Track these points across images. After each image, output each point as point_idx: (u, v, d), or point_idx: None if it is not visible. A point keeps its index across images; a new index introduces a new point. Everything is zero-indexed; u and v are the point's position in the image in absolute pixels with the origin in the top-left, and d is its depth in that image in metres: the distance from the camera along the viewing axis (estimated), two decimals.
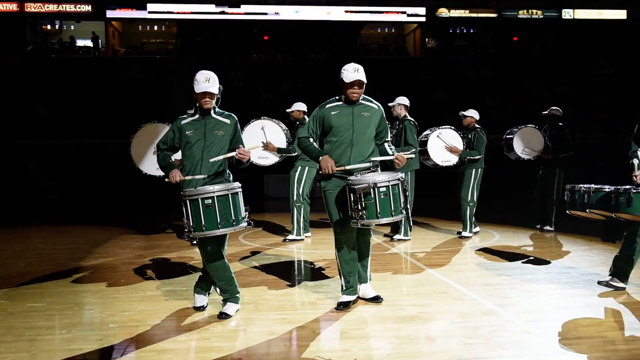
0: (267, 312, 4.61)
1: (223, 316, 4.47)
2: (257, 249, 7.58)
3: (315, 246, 7.81)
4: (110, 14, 28.91)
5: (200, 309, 4.69)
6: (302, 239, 8.18)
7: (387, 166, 4.76)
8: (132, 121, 11.77)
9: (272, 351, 3.76)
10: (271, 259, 6.93)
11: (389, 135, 4.82)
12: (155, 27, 32.82)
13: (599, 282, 5.24)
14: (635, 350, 3.66)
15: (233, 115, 4.69)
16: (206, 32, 29.92)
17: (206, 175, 4.45)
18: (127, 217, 11.61)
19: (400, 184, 4.38)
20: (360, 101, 4.68)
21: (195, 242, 7.91)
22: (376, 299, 4.82)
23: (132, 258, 7.14)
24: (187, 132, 4.54)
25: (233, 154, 4.52)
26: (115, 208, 13.68)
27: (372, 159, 4.60)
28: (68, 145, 19.01)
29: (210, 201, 4.23)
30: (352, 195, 4.35)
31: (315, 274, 6.11)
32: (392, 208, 4.32)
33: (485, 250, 7.28)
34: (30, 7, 27.29)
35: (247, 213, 4.38)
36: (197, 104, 4.55)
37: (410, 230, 8.12)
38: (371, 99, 4.77)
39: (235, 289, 4.60)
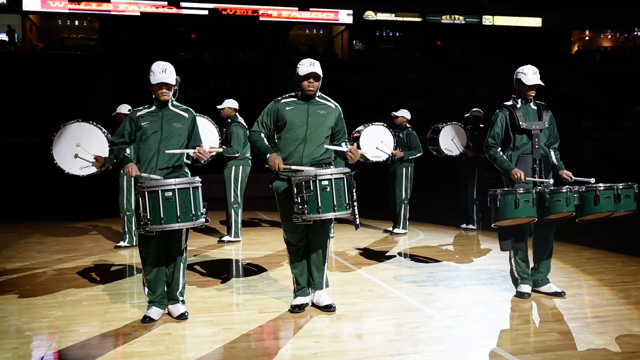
0: (193, 314, 4.55)
1: (147, 320, 4.36)
2: (192, 251, 7.44)
3: (244, 247, 7.76)
4: (27, 6, 27.62)
5: (148, 320, 4.38)
6: (240, 240, 8.06)
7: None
8: (50, 120, 11.28)
9: (199, 354, 3.71)
10: (200, 260, 6.83)
11: (346, 135, 4.72)
12: (77, 22, 31.63)
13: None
14: (548, 341, 3.87)
15: (191, 109, 4.61)
16: (130, 29, 29.12)
17: (162, 177, 4.31)
18: (45, 219, 11.12)
19: (345, 179, 4.24)
20: (317, 99, 4.57)
21: (119, 245, 7.69)
22: (327, 308, 4.57)
23: (50, 262, 6.85)
24: (142, 124, 4.41)
25: (192, 151, 4.43)
26: (32, 210, 13.07)
27: (326, 146, 4.42)
28: None
29: (170, 194, 4.12)
30: (295, 188, 4.24)
31: (243, 274, 6.08)
32: (335, 203, 4.18)
33: (410, 249, 7.47)
34: None
35: (205, 209, 4.28)
36: (154, 96, 4.43)
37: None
38: (329, 98, 4.66)
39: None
